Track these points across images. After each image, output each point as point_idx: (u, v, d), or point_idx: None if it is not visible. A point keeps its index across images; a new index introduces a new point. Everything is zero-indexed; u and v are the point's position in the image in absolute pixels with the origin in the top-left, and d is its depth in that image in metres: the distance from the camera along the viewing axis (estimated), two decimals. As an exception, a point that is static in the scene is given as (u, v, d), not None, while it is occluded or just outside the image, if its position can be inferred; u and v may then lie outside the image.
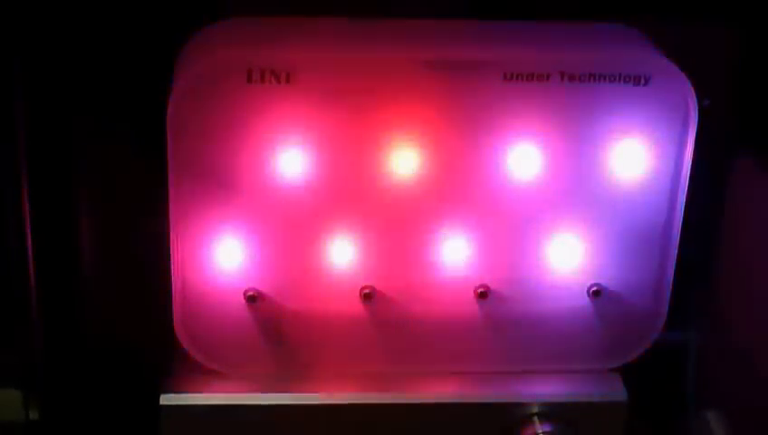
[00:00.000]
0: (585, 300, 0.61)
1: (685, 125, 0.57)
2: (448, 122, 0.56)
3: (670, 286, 0.61)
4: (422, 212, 0.58)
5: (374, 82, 0.55)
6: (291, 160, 0.56)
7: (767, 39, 0.62)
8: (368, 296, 0.59)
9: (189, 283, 0.58)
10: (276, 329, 0.60)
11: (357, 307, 0.60)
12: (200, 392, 0.60)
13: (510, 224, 0.59)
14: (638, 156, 0.57)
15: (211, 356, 0.60)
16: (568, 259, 0.60)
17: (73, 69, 0.58)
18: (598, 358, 0.62)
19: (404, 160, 0.57)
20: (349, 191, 0.57)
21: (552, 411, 0.61)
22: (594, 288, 0.60)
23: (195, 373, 0.60)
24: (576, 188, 0.58)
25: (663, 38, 0.58)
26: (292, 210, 0.57)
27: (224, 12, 0.58)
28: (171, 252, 0.58)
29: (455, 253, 0.59)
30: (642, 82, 0.56)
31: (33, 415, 0.61)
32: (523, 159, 0.57)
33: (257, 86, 0.55)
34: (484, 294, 0.60)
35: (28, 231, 0.59)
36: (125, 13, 0.58)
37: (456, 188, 0.58)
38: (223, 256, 0.58)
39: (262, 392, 0.60)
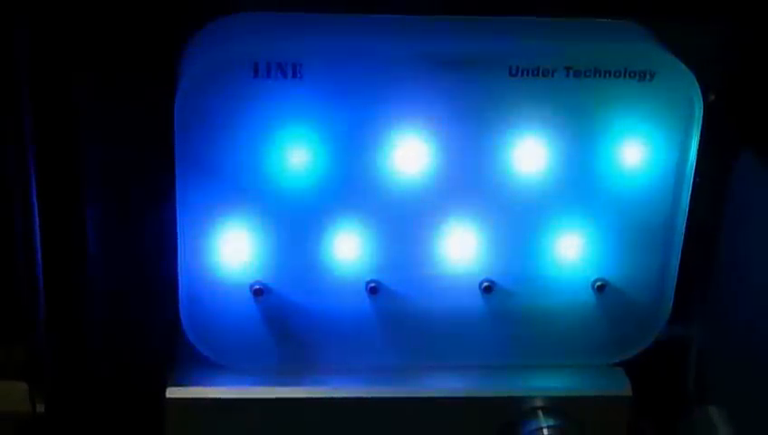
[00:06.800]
0: (589, 295, 0.61)
1: (689, 120, 0.57)
2: (454, 117, 0.57)
3: (674, 282, 0.61)
4: (428, 206, 0.58)
5: (381, 77, 0.55)
6: (297, 155, 0.57)
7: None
8: (373, 290, 0.60)
9: (196, 276, 0.59)
10: (282, 323, 0.60)
11: (362, 301, 0.60)
12: (206, 386, 0.60)
13: (515, 218, 0.59)
14: (643, 151, 0.58)
15: (217, 350, 0.60)
16: (573, 254, 0.60)
17: (80, 63, 0.58)
18: (601, 352, 0.62)
19: (410, 155, 0.57)
20: (354, 185, 0.58)
21: (555, 405, 0.61)
22: (599, 283, 0.60)
23: (200, 367, 0.61)
24: (581, 183, 0.58)
25: (666, 35, 0.59)
26: (299, 204, 0.58)
27: (230, 7, 0.58)
28: (178, 246, 0.58)
29: (460, 247, 0.59)
30: (647, 77, 0.56)
31: (40, 408, 0.61)
32: (529, 153, 0.58)
33: (264, 80, 0.55)
34: (489, 289, 0.60)
35: (36, 227, 0.59)
36: (132, 7, 0.59)
37: (461, 183, 0.58)
38: (229, 250, 0.58)
39: (267, 386, 0.60)
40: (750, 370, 0.64)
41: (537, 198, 0.59)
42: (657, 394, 0.70)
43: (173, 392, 0.60)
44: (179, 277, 0.59)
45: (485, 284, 0.60)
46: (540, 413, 0.61)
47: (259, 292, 0.59)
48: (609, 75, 0.56)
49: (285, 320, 0.60)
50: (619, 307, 0.61)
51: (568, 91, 0.56)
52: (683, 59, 0.57)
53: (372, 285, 0.59)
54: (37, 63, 0.57)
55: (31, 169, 0.58)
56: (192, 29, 0.58)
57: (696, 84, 0.57)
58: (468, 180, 0.58)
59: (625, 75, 0.56)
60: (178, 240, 0.58)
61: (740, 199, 0.65)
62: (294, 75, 0.55)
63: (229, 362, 0.61)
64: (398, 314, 0.60)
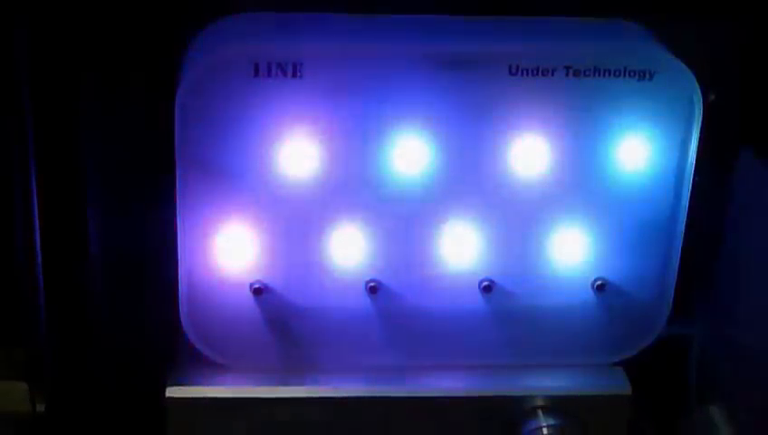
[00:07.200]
0: (589, 294, 0.61)
1: (689, 119, 0.57)
2: (454, 116, 0.57)
3: (675, 281, 0.61)
4: (428, 206, 0.58)
5: (381, 76, 0.55)
6: (297, 154, 0.57)
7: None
8: (373, 290, 0.59)
9: (196, 276, 0.58)
10: (282, 322, 0.60)
11: (362, 301, 0.60)
12: (206, 385, 0.60)
13: (515, 217, 0.59)
14: (642, 150, 0.58)
15: (217, 349, 0.60)
16: (572, 253, 0.60)
17: (80, 63, 0.58)
18: (602, 352, 0.62)
19: (410, 154, 0.57)
20: (354, 185, 0.57)
21: (555, 405, 0.61)
22: (599, 282, 0.60)
23: (200, 366, 0.60)
24: (581, 183, 0.58)
25: (665, 34, 0.59)
26: (299, 203, 0.58)
27: (231, 7, 0.58)
28: (178, 245, 0.58)
29: (460, 246, 0.59)
30: (647, 76, 0.56)
31: (40, 407, 0.61)
32: (529, 153, 0.58)
33: (264, 80, 0.55)
34: (488, 288, 0.60)
35: (36, 228, 0.59)
36: (133, 7, 0.59)
37: (461, 182, 0.58)
38: (229, 250, 0.58)
39: (267, 386, 0.60)
40: (751, 369, 0.64)
41: (537, 198, 0.59)
42: (658, 394, 0.70)
43: (173, 392, 0.60)
44: (179, 277, 0.58)
45: (485, 283, 0.60)
46: (540, 413, 0.61)
47: (259, 291, 0.59)
48: (609, 75, 0.56)
49: (285, 319, 0.60)
50: (619, 307, 0.61)
51: (568, 90, 0.56)
52: (683, 59, 0.57)
53: (372, 284, 0.59)
54: (37, 64, 0.57)
55: (31, 169, 0.58)
56: (192, 29, 0.58)
57: (696, 84, 0.57)
58: (468, 180, 0.58)
59: (625, 75, 0.56)
60: (178, 240, 0.58)
61: (740, 199, 0.65)
62: (295, 75, 0.55)
63: (229, 361, 0.61)
64: (397, 313, 0.60)
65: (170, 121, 0.55)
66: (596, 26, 0.59)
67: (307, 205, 0.58)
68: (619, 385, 0.62)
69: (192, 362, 0.61)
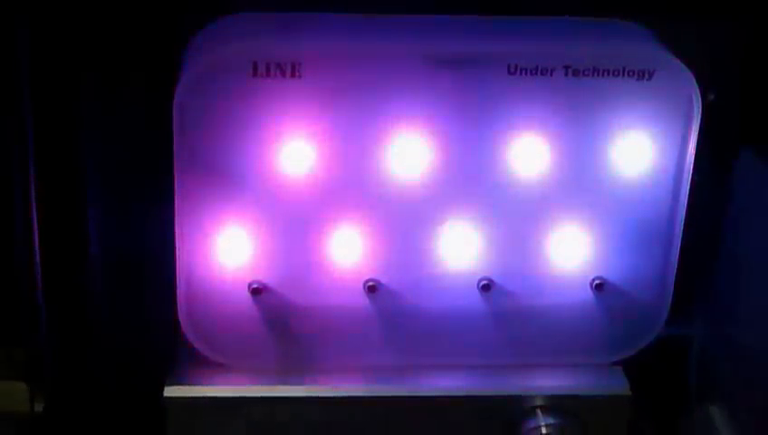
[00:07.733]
0: (588, 293, 0.61)
1: (688, 119, 0.57)
2: (453, 116, 0.57)
3: (673, 280, 0.61)
4: (426, 205, 0.58)
5: (380, 76, 0.55)
6: (296, 154, 0.57)
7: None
8: (372, 289, 0.60)
9: (194, 276, 0.59)
10: (281, 322, 0.60)
11: (361, 300, 0.60)
12: (205, 385, 0.60)
13: (514, 217, 0.59)
14: (641, 150, 0.58)
15: (216, 349, 0.60)
16: (571, 252, 0.60)
17: (80, 63, 0.58)
18: (601, 351, 0.62)
19: (409, 154, 0.57)
20: (353, 184, 0.58)
21: (554, 404, 0.61)
22: (597, 282, 0.60)
23: (199, 366, 0.60)
24: (580, 182, 0.58)
25: (665, 34, 0.59)
26: (298, 203, 0.58)
27: (232, 7, 0.58)
28: (177, 245, 0.58)
29: (458, 246, 0.59)
30: (646, 76, 0.56)
31: (39, 407, 0.61)
32: (528, 152, 0.58)
33: (263, 79, 0.55)
34: (487, 287, 0.60)
35: (35, 227, 0.59)
36: (132, 7, 0.59)
37: (460, 182, 0.58)
38: (228, 249, 0.58)
39: (266, 385, 0.60)
40: (751, 369, 0.64)
41: (535, 197, 0.58)
42: (658, 394, 0.70)
43: (171, 391, 0.60)
44: (178, 276, 0.58)
45: (484, 282, 0.60)
46: (539, 412, 0.61)
47: (257, 291, 0.59)
48: (608, 74, 0.56)
49: (284, 319, 0.60)
50: (618, 306, 0.61)
51: (567, 90, 0.56)
52: (683, 59, 0.57)
53: (371, 283, 0.59)
54: (38, 64, 0.57)
55: (31, 169, 0.58)
56: (192, 29, 0.58)
57: (695, 83, 0.57)
58: (467, 179, 0.58)
59: (624, 74, 0.56)
60: (177, 239, 0.58)
61: (740, 199, 0.64)
62: (294, 74, 0.55)
63: (228, 360, 0.61)
64: (396, 312, 0.60)
65: (170, 121, 0.56)
66: (595, 26, 0.59)
67: (306, 205, 0.58)
68: (618, 385, 0.62)
69: (191, 362, 0.61)
